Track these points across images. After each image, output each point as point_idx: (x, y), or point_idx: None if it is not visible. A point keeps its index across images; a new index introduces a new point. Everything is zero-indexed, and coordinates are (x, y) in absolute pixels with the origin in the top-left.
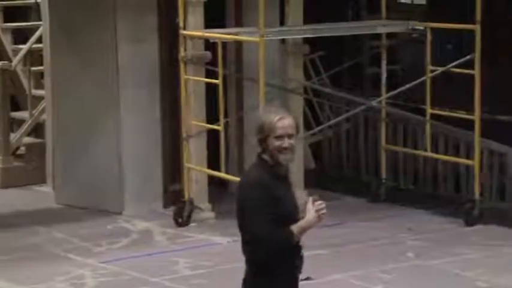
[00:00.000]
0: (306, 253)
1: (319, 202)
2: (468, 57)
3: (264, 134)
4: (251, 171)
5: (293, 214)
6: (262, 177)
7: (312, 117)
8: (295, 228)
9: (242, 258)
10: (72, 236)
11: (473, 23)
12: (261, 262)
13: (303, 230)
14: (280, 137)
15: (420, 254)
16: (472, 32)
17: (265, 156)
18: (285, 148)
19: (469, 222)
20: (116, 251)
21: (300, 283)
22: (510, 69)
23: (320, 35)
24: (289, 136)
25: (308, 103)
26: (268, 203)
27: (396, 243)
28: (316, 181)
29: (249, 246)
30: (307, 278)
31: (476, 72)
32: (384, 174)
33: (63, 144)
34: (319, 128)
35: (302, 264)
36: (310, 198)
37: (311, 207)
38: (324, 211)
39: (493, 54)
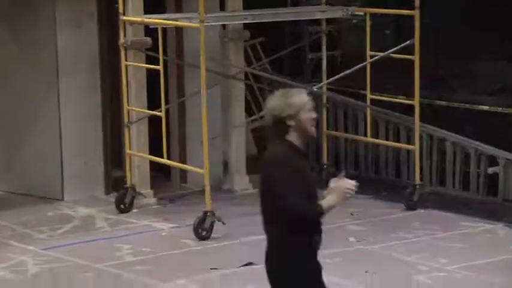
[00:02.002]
0: (248, 238)
1: (347, 182)
2: (407, 42)
3: (296, 109)
4: (274, 150)
5: (314, 192)
6: (287, 155)
7: (253, 103)
8: (323, 202)
9: (184, 244)
10: (13, 223)
11: (413, 8)
12: (287, 238)
13: (330, 208)
14: (310, 110)
15: (362, 239)
16: (411, 18)
17: (287, 137)
18: (314, 119)
19: (410, 207)
20: (58, 238)
21: (243, 268)
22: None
23: (260, 21)
24: (314, 109)
25: (249, 89)
26: (295, 179)
27: (338, 228)
28: (258, 166)
29: (275, 224)
30: (249, 264)
31: (415, 57)
32: (325, 160)
33: (3, 132)
34: (261, 113)
35: (321, 240)
36: (337, 177)
37: (339, 184)
38: (351, 190)
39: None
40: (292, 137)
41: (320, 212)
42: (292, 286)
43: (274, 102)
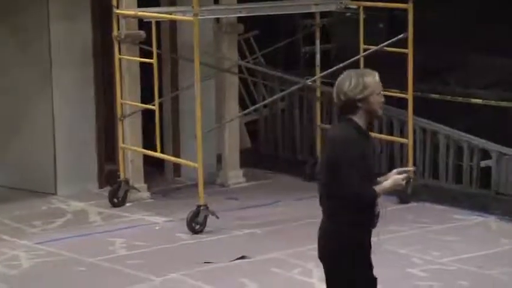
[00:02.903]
0: (241, 232)
1: (405, 170)
2: (401, 36)
3: (369, 91)
4: (340, 130)
5: (373, 170)
6: (353, 135)
7: (247, 97)
8: (378, 188)
9: (177, 238)
10: (5, 218)
11: (406, 2)
12: (344, 213)
13: (384, 191)
14: (380, 93)
15: None
16: (404, 11)
17: (353, 117)
18: (383, 102)
19: (403, 200)
20: (51, 232)
21: (236, 262)
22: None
23: (254, 14)
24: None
25: (243, 82)
26: (359, 161)
27: None
28: (252, 160)
29: (333, 200)
30: (243, 257)
31: (409, 51)
32: (318, 153)
33: None
34: (255, 107)
35: (377, 219)
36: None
37: (396, 172)
38: (404, 180)
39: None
40: (358, 118)
41: (375, 196)
42: (342, 260)
43: (347, 82)
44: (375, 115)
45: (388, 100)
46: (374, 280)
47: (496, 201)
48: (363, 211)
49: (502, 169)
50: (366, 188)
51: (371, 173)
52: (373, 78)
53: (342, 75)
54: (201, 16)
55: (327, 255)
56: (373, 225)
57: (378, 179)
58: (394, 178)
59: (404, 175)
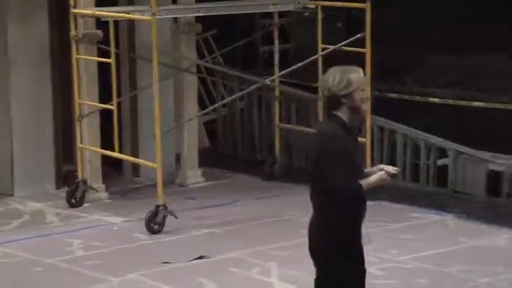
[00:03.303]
0: (200, 232)
1: (391, 167)
2: (359, 35)
3: (353, 87)
4: (325, 127)
5: (360, 165)
6: (338, 131)
7: (206, 96)
8: (363, 182)
9: (135, 239)
10: None
11: (364, 1)
12: (332, 209)
13: (371, 185)
14: (364, 89)
15: None
16: (362, 11)
17: (339, 113)
18: (368, 98)
19: None
20: (8, 233)
21: (195, 262)
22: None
23: (212, 14)
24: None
25: (202, 82)
26: (344, 156)
27: (291, 220)
28: (210, 160)
29: (321, 195)
30: (201, 257)
31: (367, 50)
32: (277, 152)
33: None
34: (213, 106)
35: (364, 217)
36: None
37: (384, 168)
38: (389, 175)
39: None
40: (343, 114)
41: (360, 190)
42: (330, 256)
43: (331, 78)
44: (359, 111)
45: None
46: (362, 274)
47: (453, 200)
48: (351, 206)
49: (459, 168)
50: (350, 181)
51: (357, 168)
52: (357, 74)
53: (327, 72)
54: (159, 16)
55: (316, 250)
56: (362, 219)
57: (365, 170)
58: (379, 174)
59: (390, 171)
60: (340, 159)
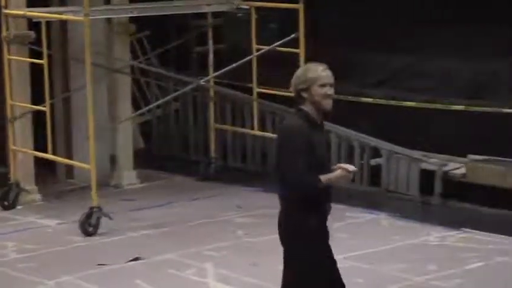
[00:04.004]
0: (135, 233)
1: (349, 165)
2: (292, 36)
3: (309, 83)
4: (290, 120)
5: (324, 159)
6: (300, 125)
7: (140, 97)
8: (323, 177)
9: (70, 241)
10: None
11: (297, 2)
12: (293, 200)
13: (330, 181)
14: (324, 85)
15: (250, 232)
16: (295, 11)
17: (304, 107)
18: (328, 95)
19: None
20: None
21: (130, 263)
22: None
23: (145, 14)
24: (331, 85)
25: (136, 83)
26: (304, 149)
27: (226, 221)
28: (145, 161)
29: (286, 187)
30: (137, 258)
31: (300, 50)
32: (213, 153)
33: None
34: (148, 107)
35: (330, 209)
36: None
37: (342, 166)
38: (351, 172)
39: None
40: (308, 108)
41: (316, 184)
42: (293, 243)
43: (296, 74)
44: (319, 107)
45: (283, 100)
46: (328, 264)
47: (386, 199)
48: (312, 198)
49: (392, 167)
50: (307, 176)
51: (321, 163)
52: (316, 70)
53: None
54: (91, 16)
55: (282, 238)
56: (327, 213)
57: (332, 167)
58: (340, 171)
59: (351, 168)
60: (299, 151)
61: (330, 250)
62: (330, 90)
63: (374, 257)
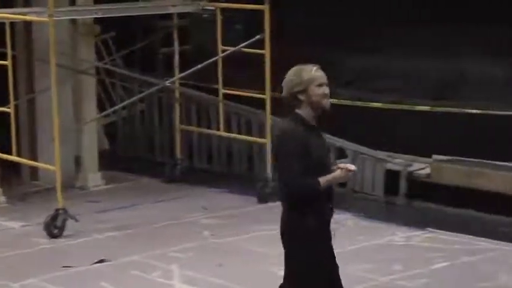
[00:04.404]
0: (101, 235)
1: (350, 165)
2: (258, 37)
3: (305, 84)
4: (285, 124)
5: (324, 161)
6: (293, 129)
7: (105, 98)
8: (322, 179)
9: (35, 243)
10: None
11: (263, 3)
12: (292, 203)
13: (329, 182)
14: (321, 85)
15: (216, 232)
16: (261, 12)
17: (299, 111)
18: (326, 94)
19: (262, 200)
20: None
21: (96, 265)
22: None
23: (111, 15)
24: (326, 84)
25: (101, 84)
26: (300, 153)
27: (192, 222)
28: (110, 162)
29: (283, 189)
30: (103, 260)
31: (266, 51)
32: (178, 155)
33: None
34: (113, 109)
35: (332, 210)
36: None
37: (342, 166)
38: (351, 172)
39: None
40: (303, 111)
41: (316, 186)
42: (292, 242)
43: (288, 77)
44: (318, 107)
45: (248, 101)
46: (328, 266)
47: (352, 199)
48: (310, 201)
49: (357, 167)
50: (304, 178)
51: (318, 164)
52: (311, 71)
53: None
54: (56, 17)
55: (282, 237)
56: (328, 215)
57: (333, 167)
58: (339, 171)
59: (352, 168)
60: (293, 155)
61: (331, 252)
62: (327, 90)
63: (339, 258)
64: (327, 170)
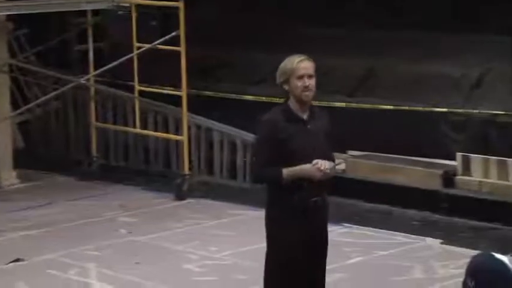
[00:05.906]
0: (16, 234)
1: (324, 162)
2: (173, 34)
3: (286, 75)
4: (269, 113)
5: (301, 152)
6: (270, 118)
7: (19, 96)
8: (286, 170)
9: None
10: None
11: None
12: (270, 192)
13: (295, 174)
14: (301, 77)
15: (133, 230)
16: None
17: (289, 101)
18: (306, 87)
19: (180, 197)
20: None
21: (11, 265)
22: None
23: (23, 12)
24: (309, 76)
25: (15, 82)
26: (268, 141)
27: (108, 220)
28: (25, 160)
29: None
30: (18, 260)
31: (181, 48)
32: (94, 152)
33: None
34: (27, 106)
35: (305, 201)
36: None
37: (314, 162)
38: (326, 169)
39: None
40: (291, 101)
41: (276, 176)
42: (268, 222)
43: (279, 66)
44: (299, 99)
45: (164, 97)
46: (301, 242)
47: None
48: (274, 189)
49: None
50: (266, 168)
51: (296, 156)
52: (293, 62)
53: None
54: None
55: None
56: (299, 204)
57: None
58: (307, 165)
59: (323, 167)
60: (262, 144)
61: (300, 242)
62: (308, 82)
63: (258, 254)
64: (304, 162)
